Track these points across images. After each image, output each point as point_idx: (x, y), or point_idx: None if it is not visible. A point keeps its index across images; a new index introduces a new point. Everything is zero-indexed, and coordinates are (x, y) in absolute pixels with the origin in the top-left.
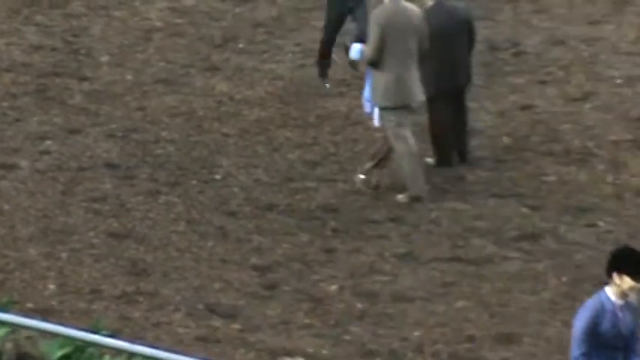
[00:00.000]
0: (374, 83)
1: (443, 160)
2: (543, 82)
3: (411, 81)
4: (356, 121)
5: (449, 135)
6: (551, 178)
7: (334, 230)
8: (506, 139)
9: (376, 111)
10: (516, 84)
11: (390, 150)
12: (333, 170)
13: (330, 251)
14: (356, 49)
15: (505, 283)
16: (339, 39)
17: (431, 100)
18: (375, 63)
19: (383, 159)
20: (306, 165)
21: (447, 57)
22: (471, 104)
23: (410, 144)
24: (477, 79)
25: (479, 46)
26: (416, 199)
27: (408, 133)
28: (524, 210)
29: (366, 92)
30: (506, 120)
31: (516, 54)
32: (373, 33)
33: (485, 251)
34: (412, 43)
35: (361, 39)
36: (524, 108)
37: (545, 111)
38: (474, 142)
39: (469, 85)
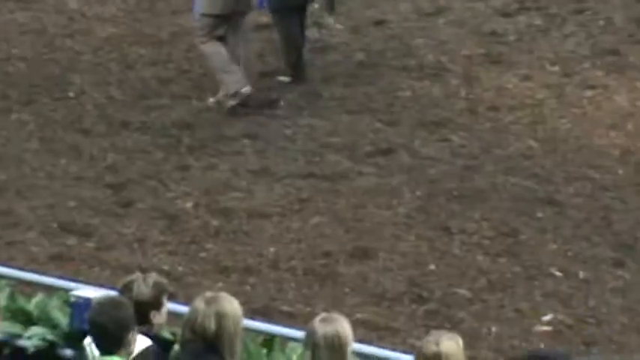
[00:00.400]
0: None
1: (297, 76)
2: None
3: None
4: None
5: (300, 49)
6: (406, 93)
7: (189, 147)
8: (360, 55)
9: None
10: None
11: None
12: (187, 87)
13: (184, 168)
14: None
15: (360, 198)
16: None
17: (278, 15)
18: None
19: None
20: (160, 82)
21: None
22: (324, 20)
23: (217, 49)
24: None
25: None
26: (234, 95)
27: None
28: (379, 125)
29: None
30: (360, 35)
31: None
32: None
33: (340, 167)
34: None
35: None
36: (378, 23)
37: (399, 26)
38: (328, 58)
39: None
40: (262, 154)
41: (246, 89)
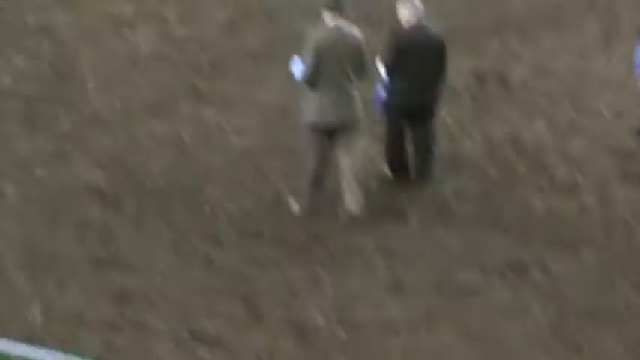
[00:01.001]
0: (306, 98)
1: (394, 175)
2: (531, 115)
3: (341, 103)
4: None
5: (399, 150)
6: (539, 210)
7: (320, 259)
8: (493, 171)
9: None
10: (504, 116)
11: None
12: (321, 199)
13: (316, 280)
14: (296, 64)
15: (490, 314)
16: None
17: (387, 117)
18: (310, 84)
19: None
20: (294, 194)
21: (412, 76)
22: (458, 136)
23: (312, 166)
24: (464, 110)
25: (466, 78)
26: (306, 211)
27: (316, 156)
28: (511, 241)
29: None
30: (493, 152)
31: (504, 85)
32: (307, 54)
33: (471, 282)
34: (348, 68)
35: None
36: (512, 140)
37: (533, 143)
38: (462, 174)
39: (434, 108)
40: (393, 267)
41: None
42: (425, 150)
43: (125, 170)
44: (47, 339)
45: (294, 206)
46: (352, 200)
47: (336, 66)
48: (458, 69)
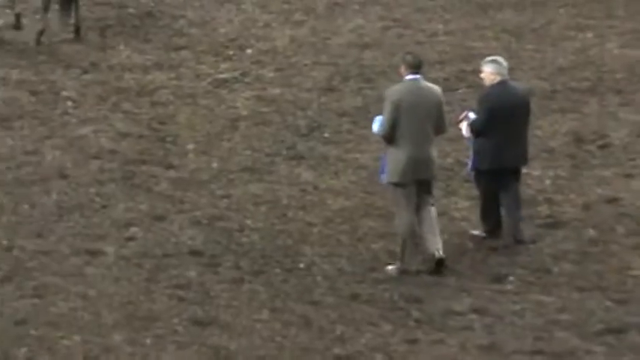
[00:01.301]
0: (387, 157)
1: (489, 230)
2: (630, 175)
3: (422, 160)
4: (442, 211)
5: (494, 210)
6: (637, 272)
7: (417, 321)
8: (591, 232)
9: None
10: (602, 176)
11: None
12: (416, 261)
13: (412, 342)
14: (376, 122)
15: None
16: None
17: (482, 174)
18: (388, 139)
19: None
20: (389, 255)
21: (503, 135)
22: (556, 196)
23: (408, 221)
24: (562, 171)
25: (565, 139)
26: (404, 272)
27: (410, 209)
28: (609, 304)
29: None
30: (591, 212)
31: (602, 146)
32: (386, 110)
33: (568, 345)
34: (427, 123)
35: None
36: (610, 201)
37: (631, 204)
38: (559, 234)
39: (524, 165)
40: (490, 329)
41: (411, 267)
42: (516, 208)
43: (223, 230)
44: None
45: (391, 268)
46: (437, 242)
47: (414, 121)
48: (556, 129)
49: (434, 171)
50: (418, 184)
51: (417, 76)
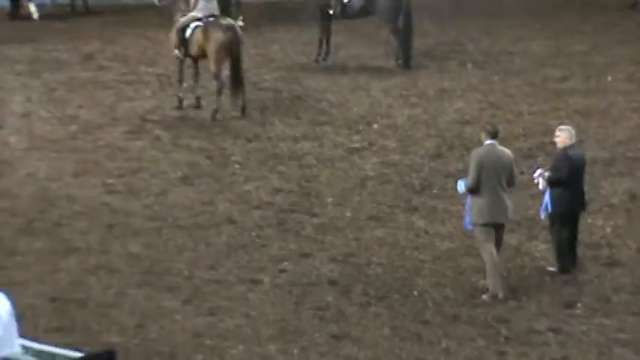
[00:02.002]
0: (472, 205)
1: (562, 268)
2: None
3: (499, 205)
4: (525, 251)
5: (568, 249)
6: None
7: (506, 337)
8: None
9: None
10: None
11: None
12: (505, 288)
13: (502, 354)
14: (460, 184)
15: None
16: None
17: (556, 219)
18: (474, 190)
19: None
20: (483, 286)
21: (575, 187)
22: (615, 241)
23: (493, 254)
24: (620, 221)
25: (622, 196)
26: (494, 297)
27: (492, 245)
28: None
29: (467, 213)
30: None
31: None
32: (471, 168)
33: (626, 358)
34: (502, 177)
35: None
36: None
37: None
38: (616, 272)
39: (584, 210)
40: (563, 345)
41: (500, 295)
42: (575, 246)
43: (354, 265)
44: None
45: (485, 297)
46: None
47: (492, 176)
48: (615, 189)
49: (508, 215)
50: (496, 227)
51: (494, 141)
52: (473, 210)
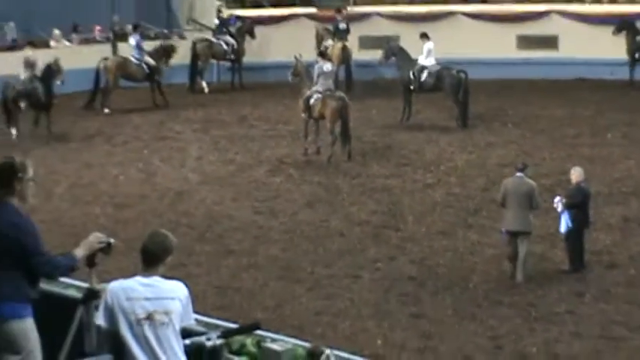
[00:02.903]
0: (503, 217)
1: (574, 268)
2: None
3: (515, 218)
4: (548, 257)
5: (577, 254)
6: None
7: (534, 317)
8: (632, 271)
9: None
10: None
11: None
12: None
13: (532, 329)
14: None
15: None
16: None
17: (570, 234)
18: (501, 205)
19: None
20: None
21: (583, 212)
22: (613, 249)
23: (511, 252)
24: (616, 237)
25: (617, 219)
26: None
27: (511, 246)
28: None
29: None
30: (635, 260)
31: None
32: (500, 191)
33: (620, 333)
34: (521, 199)
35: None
36: None
37: None
38: (613, 272)
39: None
40: (576, 323)
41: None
42: (583, 253)
43: (427, 266)
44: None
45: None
46: (521, 273)
47: (512, 200)
48: (612, 213)
49: (524, 228)
50: (515, 234)
51: (521, 174)
52: (503, 221)
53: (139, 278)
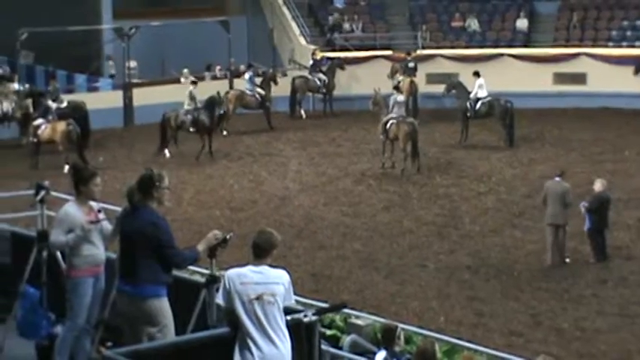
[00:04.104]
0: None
1: (598, 260)
2: None
3: (557, 214)
4: (578, 251)
5: (600, 248)
6: None
7: (567, 299)
8: None
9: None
10: None
11: None
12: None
13: (564, 309)
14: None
15: None
16: None
17: (593, 232)
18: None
19: None
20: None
21: (604, 214)
22: (633, 244)
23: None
24: (633, 235)
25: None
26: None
27: (551, 236)
28: None
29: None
30: None
31: None
32: (543, 194)
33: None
34: (559, 199)
35: None
36: None
37: None
38: (629, 262)
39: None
40: (600, 304)
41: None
42: (605, 247)
43: (480, 257)
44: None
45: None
46: (559, 257)
47: (552, 198)
48: (630, 216)
49: (564, 220)
50: (555, 226)
51: (559, 179)
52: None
53: (250, 267)
